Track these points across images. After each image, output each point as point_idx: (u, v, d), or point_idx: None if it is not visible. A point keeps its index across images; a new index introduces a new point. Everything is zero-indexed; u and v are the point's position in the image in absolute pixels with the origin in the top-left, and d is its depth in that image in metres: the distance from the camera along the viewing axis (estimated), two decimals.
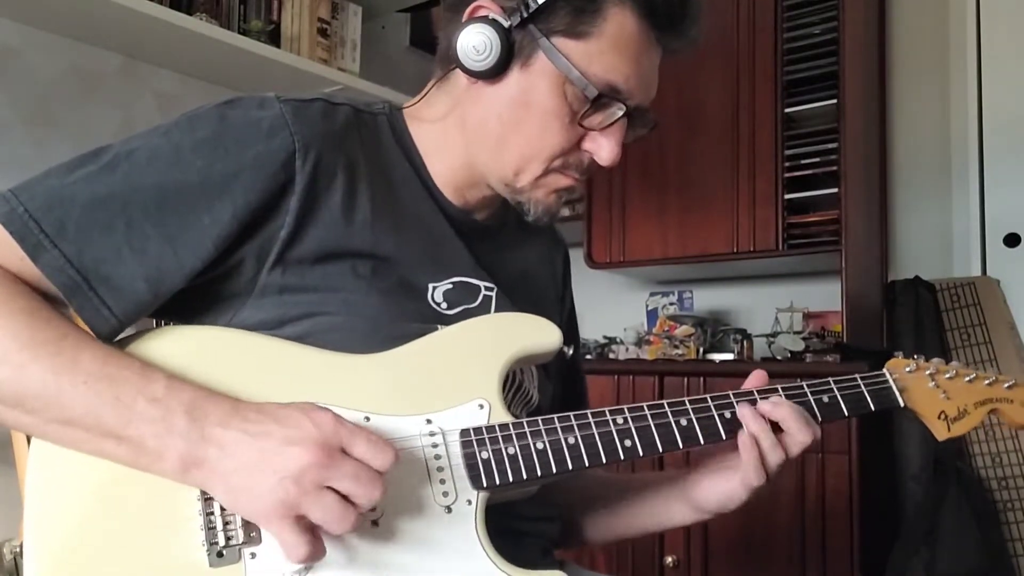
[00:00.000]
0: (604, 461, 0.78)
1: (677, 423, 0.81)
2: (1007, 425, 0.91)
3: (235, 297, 0.79)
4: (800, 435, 0.81)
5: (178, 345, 0.74)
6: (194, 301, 0.78)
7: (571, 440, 0.77)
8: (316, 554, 0.65)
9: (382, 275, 0.81)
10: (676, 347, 2.20)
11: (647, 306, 2.55)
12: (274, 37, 2.19)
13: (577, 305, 1.11)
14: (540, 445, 0.76)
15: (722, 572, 1.94)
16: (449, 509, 0.73)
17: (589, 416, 0.79)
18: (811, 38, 2.08)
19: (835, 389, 0.86)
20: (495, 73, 0.81)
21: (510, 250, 0.96)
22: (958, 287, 2.10)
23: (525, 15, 0.79)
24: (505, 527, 0.76)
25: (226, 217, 0.74)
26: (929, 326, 2.06)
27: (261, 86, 1.69)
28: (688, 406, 0.82)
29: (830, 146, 2.02)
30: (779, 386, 0.85)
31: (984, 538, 1.83)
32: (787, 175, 2.09)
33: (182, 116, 0.78)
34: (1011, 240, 2.19)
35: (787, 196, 2.08)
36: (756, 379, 0.87)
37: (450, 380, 0.77)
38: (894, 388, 0.87)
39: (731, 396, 0.83)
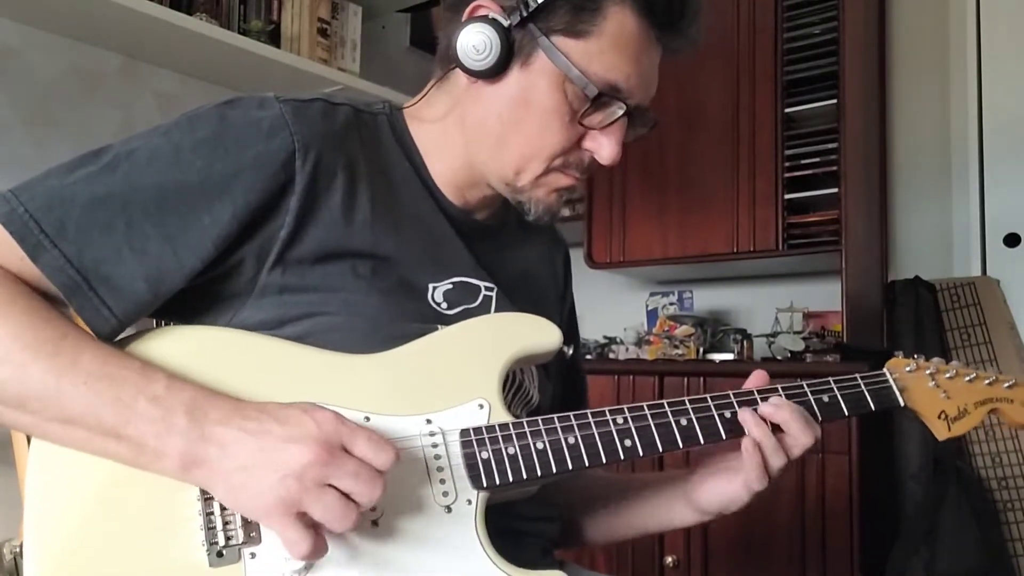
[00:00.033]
0: (604, 461, 0.77)
1: (677, 423, 0.80)
2: (1007, 425, 0.91)
3: (235, 297, 0.79)
4: (802, 437, 0.81)
5: (178, 345, 0.74)
6: (194, 301, 0.78)
7: (571, 440, 0.77)
8: (318, 551, 0.65)
9: (382, 275, 0.81)
10: (676, 347, 2.20)
11: (647, 306, 2.55)
12: (274, 37, 2.19)
13: (577, 305, 1.10)
14: (540, 445, 0.76)
15: (722, 572, 1.94)
16: (449, 509, 0.73)
17: (589, 416, 0.79)
18: (811, 38, 2.08)
19: (835, 389, 0.86)
20: (495, 72, 0.81)
21: (510, 250, 0.96)
22: (958, 287, 2.10)
23: (525, 14, 0.79)
24: (505, 527, 0.76)
25: (226, 217, 0.74)
26: (929, 326, 2.06)
27: (261, 86, 1.69)
28: (688, 406, 0.82)
29: (830, 146, 2.02)
30: (779, 386, 0.85)
31: (984, 538, 1.83)
32: (787, 175, 2.09)
33: (182, 116, 0.78)
34: (1011, 240, 2.19)
35: (787, 196, 2.08)
36: (756, 379, 0.87)
37: (450, 380, 0.77)
38: (894, 388, 0.87)
39: (731, 396, 0.83)
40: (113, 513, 0.68)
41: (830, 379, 0.86)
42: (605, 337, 2.47)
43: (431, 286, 0.84)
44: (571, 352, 0.97)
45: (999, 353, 2.00)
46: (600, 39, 0.79)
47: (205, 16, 2.00)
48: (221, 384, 0.71)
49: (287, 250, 0.77)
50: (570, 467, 0.76)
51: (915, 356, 0.90)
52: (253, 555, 0.68)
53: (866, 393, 0.86)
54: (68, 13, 1.84)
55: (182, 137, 0.76)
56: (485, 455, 0.75)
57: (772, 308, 2.20)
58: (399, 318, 0.80)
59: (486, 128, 0.84)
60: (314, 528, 0.65)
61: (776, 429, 0.82)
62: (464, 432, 0.75)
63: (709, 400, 0.83)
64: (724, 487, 0.86)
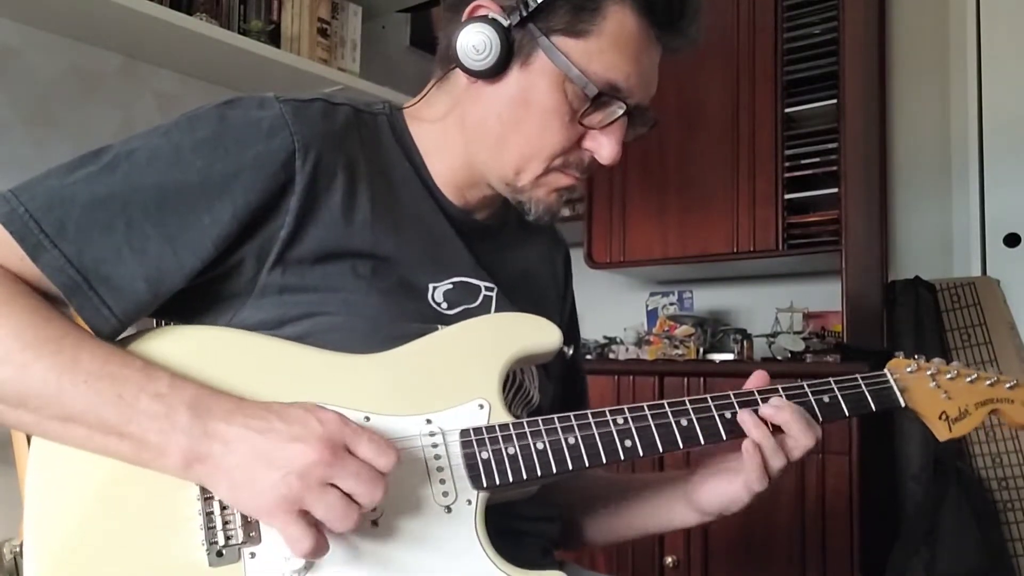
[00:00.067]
0: (604, 461, 0.77)
1: (677, 423, 0.80)
2: (1008, 425, 0.91)
3: (235, 297, 0.79)
4: (803, 439, 0.81)
5: (178, 345, 0.74)
6: (194, 301, 0.78)
7: (571, 440, 0.77)
8: (320, 549, 0.65)
9: (382, 275, 0.81)
10: (676, 347, 2.20)
11: (647, 306, 2.55)
12: (274, 37, 2.19)
13: (577, 305, 1.10)
14: (540, 445, 0.76)
15: (722, 572, 1.94)
16: (449, 509, 0.73)
17: (589, 416, 0.79)
18: (811, 38, 2.08)
19: (836, 389, 0.86)
20: (495, 72, 0.81)
21: (511, 250, 0.96)
22: (958, 287, 2.10)
23: (524, 14, 0.79)
24: (505, 527, 0.76)
25: (226, 217, 0.74)
26: (929, 326, 2.06)
27: (261, 86, 1.69)
28: (688, 406, 0.82)
29: (830, 146, 2.02)
30: (780, 387, 0.85)
31: (984, 538, 1.83)
32: (787, 175, 2.09)
33: (182, 116, 0.78)
34: (1011, 240, 2.19)
35: (787, 196, 2.08)
36: (757, 380, 0.86)
37: (450, 380, 0.77)
38: (895, 388, 0.87)
39: (732, 397, 0.83)
40: (113, 512, 0.68)
41: (831, 380, 0.86)
42: (605, 337, 2.47)
43: (431, 286, 0.84)
44: (571, 352, 0.97)
45: (999, 353, 2.00)
46: (600, 39, 0.79)
47: (205, 16, 2.00)
48: (221, 384, 0.71)
49: (287, 250, 0.77)
50: (570, 467, 0.76)
51: (916, 357, 0.90)
52: (253, 555, 0.68)
53: (867, 394, 0.86)
54: (68, 13, 1.84)
55: (182, 137, 0.76)
56: (485, 455, 0.75)
57: (772, 308, 2.20)
58: (399, 318, 0.80)
59: (486, 128, 0.84)
60: (316, 526, 0.65)
61: (777, 430, 0.82)
62: (464, 432, 0.75)
63: (709, 400, 0.82)
64: (724, 488, 0.86)
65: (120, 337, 0.75)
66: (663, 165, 2.27)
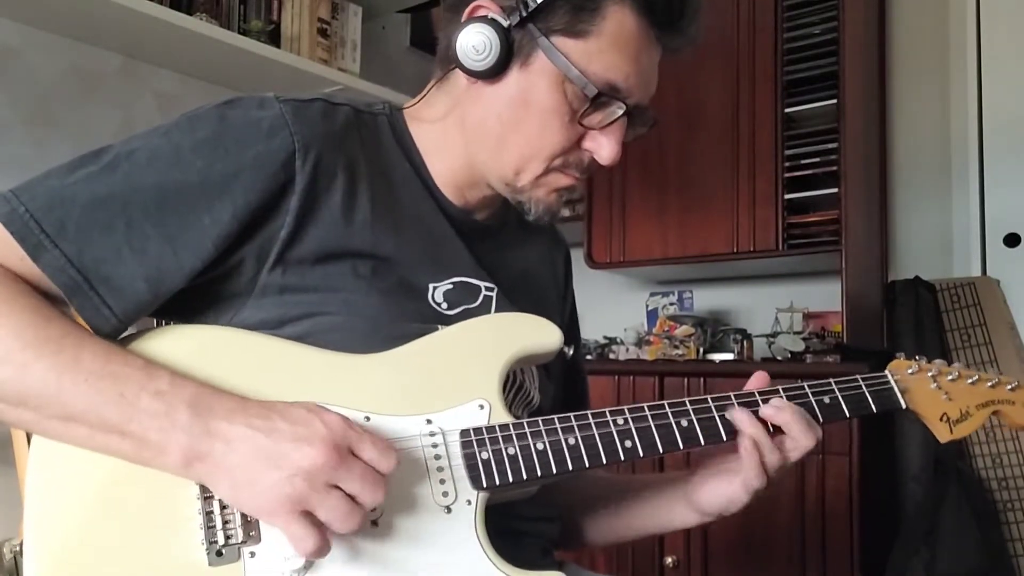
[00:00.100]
0: (604, 462, 0.77)
1: (678, 424, 0.80)
2: (1009, 427, 0.91)
3: (235, 297, 0.79)
4: (803, 439, 0.81)
5: (179, 344, 0.74)
6: (194, 301, 0.78)
7: (571, 441, 0.77)
8: (323, 548, 0.65)
9: (382, 275, 0.81)
10: (676, 347, 2.20)
11: (647, 306, 2.55)
12: (274, 37, 2.19)
13: (577, 305, 1.10)
14: (540, 446, 0.76)
15: (722, 572, 1.94)
16: (449, 509, 0.73)
17: (589, 417, 0.79)
18: (811, 38, 2.08)
19: (836, 390, 0.86)
20: (495, 73, 0.81)
21: (511, 250, 0.96)
22: (958, 287, 2.10)
23: (524, 14, 0.79)
24: (505, 527, 0.76)
25: (226, 217, 0.74)
26: (929, 326, 2.06)
27: (261, 86, 1.69)
28: (689, 407, 0.82)
29: (830, 146, 2.02)
30: (780, 388, 0.85)
31: (984, 538, 1.83)
32: (787, 175, 2.09)
33: (182, 116, 0.78)
34: (1011, 240, 2.19)
35: (787, 196, 2.08)
36: (757, 381, 0.86)
37: (450, 380, 0.77)
38: (896, 389, 0.87)
39: (732, 397, 0.83)
40: (113, 512, 0.68)
41: (831, 380, 0.86)
42: (605, 337, 2.47)
43: (431, 286, 0.84)
44: (572, 352, 0.97)
45: (999, 354, 2.00)
46: (599, 39, 0.79)
47: (205, 16, 2.00)
48: (222, 383, 0.71)
49: (287, 250, 0.77)
50: (570, 468, 0.76)
51: (917, 358, 0.90)
52: (252, 554, 0.68)
53: (867, 394, 0.86)
54: (68, 13, 1.84)
55: (182, 137, 0.76)
56: (485, 455, 0.74)
57: (772, 308, 2.20)
58: (399, 318, 0.80)
59: (486, 128, 0.84)
60: (318, 527, 0.65)
61: (777, 431, 0.82)
62: (464, 432, 0.75)
63: (710, 401, 0.82)
64: (724, 488, 0.86)
65: (121, 337, 0.75)
66: (663, 165, 2.27)
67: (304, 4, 2.24)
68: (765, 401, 0.83)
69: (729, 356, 2.16)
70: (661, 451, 0.80)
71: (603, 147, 0.83)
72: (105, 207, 0.72)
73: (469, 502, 0.73)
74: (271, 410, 0.68)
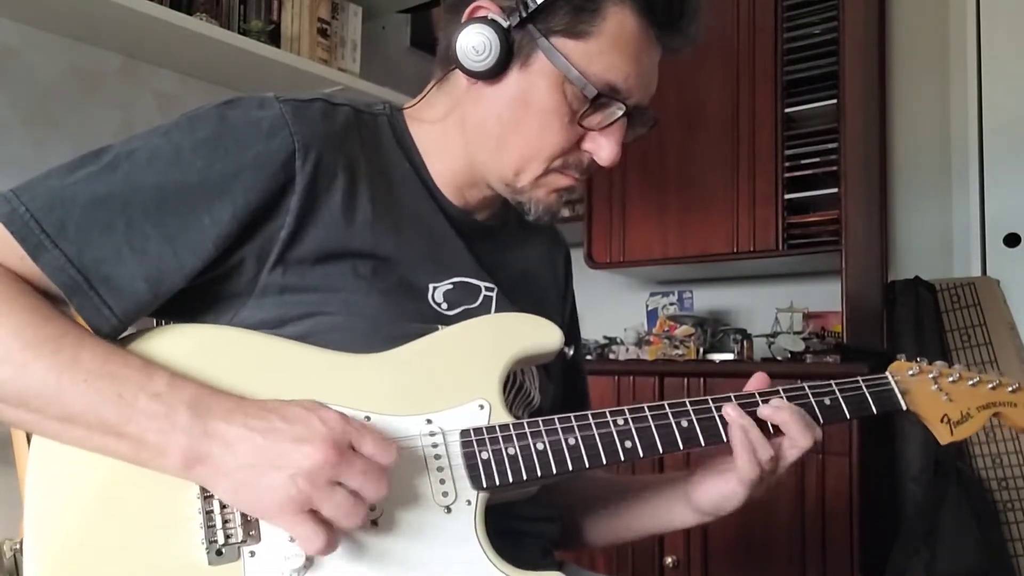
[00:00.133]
0: (604, 462, 0.77)
1: (678, 424, 0.80)
2: (1010, 428, 0.91)
3: (236, 297, 0.79)
4: (801, 439, 0.81)
5: (179, 343, 0.74)
6: (195, 301, 0.78)
7: (571, 441, 0.77)
8: (331, 545, 0.65)
9: (382, 275, 0.81)
10: (676, 347, 2.20)
11: (647, 306, 2.54)
12: (274, 37, 2.19)
13: (577, 305, 1.10)
14: (540, 446, 0.76)
15: (722, 572, 1.94)
16: (449, 509, 0.73)
17: (590, 417, 0.79)
18: (811, 38, 2.08)
19: (837, 391, 0.86)
20: (494, 73, 0.81)
21: (511, 250, 0.96)
22: (958, 287, 2.10)
23: (524, 15, 0.79)
24: (505, 527, 0.76)
25: (226, 217, 0.74)
26: (929, 327, 2.06)
27: (261, 86, 1.69)
28: (689, 407, 0.82)
29: (830, 146, 2.02)
30: (780, 388, 0.85)
31: (984, 538, 1.83)
32: (787, 175, 2.09)
33: (182, 116, 0.78)
34: (1011, 240, 2.19)
35: (787, 196, 2.08)
36: (757, 381, 0.86)
37: (451, 380, 0.77)
38: (896, 391, 0.87)
39: (732, 398, 0.83)
40: (113, 511, 0.68)
41: (832, 381, 0.86)
42: (605, 337, 2.47)
43: (431, 286, 0.84)
44: (572, 353, 0.97)
45: (999, 354, 2.00)
46: (599, 39, 0.79)
47: (205, 16, 2.00)
48: (222, 382, 0.71)
49: (287, 250, 0.77)
50: (570, 468, 0.76)
51: (918, 359, 0.90)
52: (252, 553, 0.68)
53: (868, 396, 0.86)
54: (68, 13, 1.84)
55: (182, 137, 0.76)
56: (485, 455, 0.75)
57: (772, 308, 2.20)
58: (399, 318, 0.80)
59: (486, 129, 0.84)
60: (324, 524, 0.65)
61: (777, 431, 0.82)
62: (464, 432, 0.75)
63: (710, 402, 0.83)
64: (721, 486, 0.86)
65: (121, 336, 0.75)
66: (663, 165, 2.27)
67: (304, 4, 2.24)
68: (766, 402, 0.83)
69: (729, 356, 2.16)
70: (661, 451, 0.80)
71: (603, 148, 0.83)
72: (105, 207, 0.72)
73: (469, 502, 0.73)
74: (269, 410, 0.68)
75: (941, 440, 0.87)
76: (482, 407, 0.77)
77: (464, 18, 0.82)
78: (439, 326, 0.81)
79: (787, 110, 2.10)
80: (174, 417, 0.66)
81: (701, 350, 2.21)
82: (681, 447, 0.80)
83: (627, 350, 2.32)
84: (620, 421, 0.79)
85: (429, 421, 0.75)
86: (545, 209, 0.86)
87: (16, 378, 0.66)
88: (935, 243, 2.28)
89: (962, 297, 2.08)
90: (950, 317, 2.08)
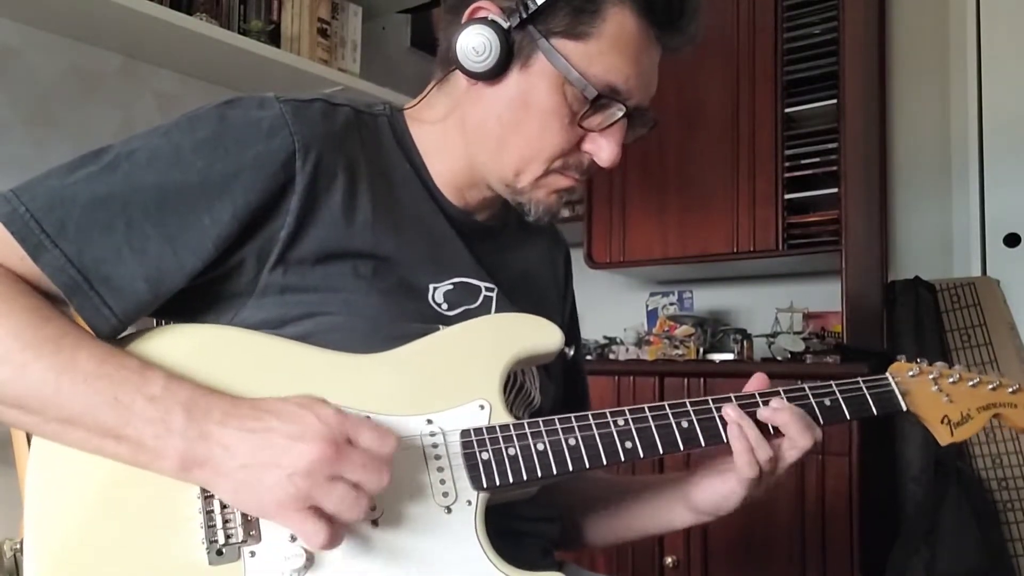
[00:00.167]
0: (604, 463, 0.77)
1: (678, 425, 0.80)
2: (1010, 429, 0.91)
3: (236, 297, 0.79)
4: (800, 440, 0.81)
5: (180, 343, 0.74)
6: (195, 301, 0.78)
7: (572, 441, 0.77)
8: (335, 539, 0.65)
9: (383, 275, 0.81)
10: (676, 347, 2.20)
11: (647, 306, 2.55)
12: (274, 37, 2.19)
13: (577, 305, 1.10)
14: (540, 446, 0.76)
15: (722, 572, 1.94)
16: (449, 509, 0.73)
17: (590, 417, 0.79)
18: (811, 38, 2.08)
19: (837, 392, 0.86)
20: (495, 74, 0.81)
21: (511, 251, 0.96)
22: (958, 287, 2.10)
23: (524, 16, 0.79)
24: (505, 528, 0.76)
25: (226, 217, 0.74)
26: (929, 326, 2.06)
27: (261, 86, 1.69)
28: (689, 408, 0.82)
29: (830, 146, 2.02)
30: (781, 389, 0.85)
31: (984, 538, 1.83)
32: (787, 175, 2.09)
33: (182, 116, 0.78)
34: (1011, 240, 2.19)
35: (787, 196, 2.08)
36: (757, 382, 0.87)
37: (451, 380, 0.77)
38: (897, 392, 0.87)
39: (733, 399, 0.83)
40: (113, 511, 0.68)
41: (832, 382, 0.86)
42: (605, 337, 2.47)
43: (432, 286, 0.84)
44: (572, 353, 0.97)
45: (999, 354, 2.00)
46: (600, 40, 0.79)
47: (205, 16, 2.00)
48: (223, 382, 0.71)
49: (288, 250, 0.77)
50: (570, 468, 0.76)
51: (918, 360, 0.90)
52: (253, 553, 0.68)
53: (868, 397, 0.86)
54: (68, 13, 1.84)
55: (182, 137, 0.76)
56: (485, 456, 0.75)
57: (772, 308, 2.20)
58: (399, 318, 0.80)
59: (486, 130, 0.84)
60: (327, 519, 0.65)
61: (777, 432, 0.82)
62: (465, 432, 0.75)
63: (711, 402, 0.83)
64: (719, 485, 0.87)
65: (121, 336, 0.75)
66: (663, 165, 2.27)
67: (304, 4, 2.24)
68: (766, 403, 0.83)
69: (729, 356, 2.16)
70: (661, 452, 0.80)
71: (603, 149, 0.83)
72: (105, 207, 0.72)
73: (469, 502, 0.73)
74: (265, 410, 0.68)
75: (941, 441, 0.87)
76: (482, 407, 0.77)
77: (464, 19, 0.82)
78: (439, 326, 0.81)
79: (787, 110, 2.10)
80: (170, 420, 0.66)
81: (701, 350, 2.21)
82: (681, 448, 0.80)
83: (627, 350, 2.32)
84: (620, 422, 0.79)
85: (430, 421, 0.75)
86: (545, 210, 0.86)
87: (16, 379, 0.66)
88: (935, 243, 2.28)
89: (962, 297, 2.08)
90: (950, 317, 2.08)
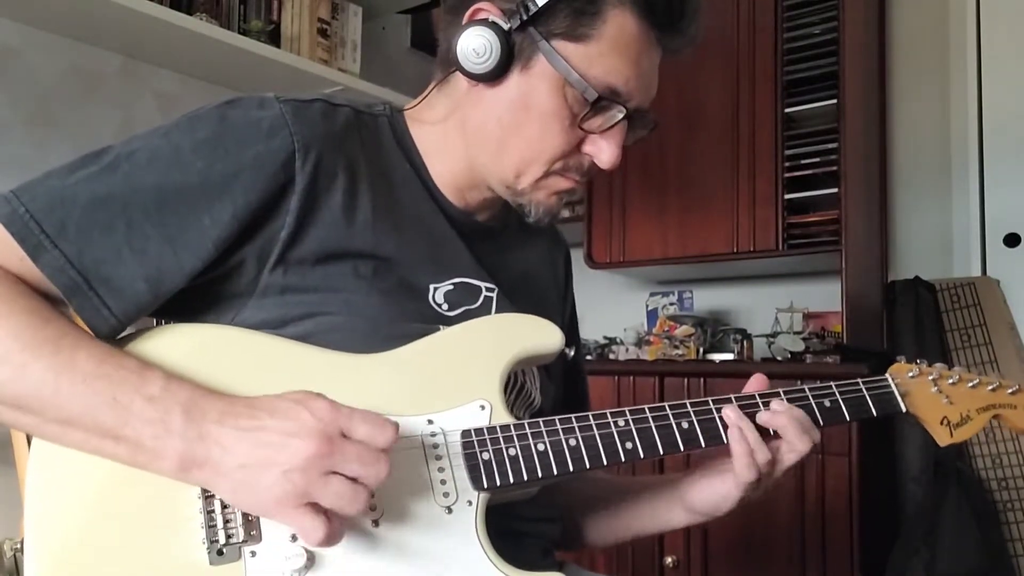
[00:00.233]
0: (605, 463, 0.78)
1: (678, 425, 0.81)
2: (1010, 430, 0.91)
3: (237, 297, 0.79)
4: (798, 444, 0.81)
5: (180, 343, 0.74)
6: (195, 301, 0.78)
7: (572, 442, 0.77)
8: (335, 535, 0.65)
9: (383, 275, 0.81)
10: (676, 347, 2.20)
11: (647, 306, 2.55)
12: (274, 37, 2.19)
13: (577, 305, 1.10)
14: (541, 446, 0.76)
15: (722, 572, 1.95)
16: (449, 510, 0.73)
17: (590, 418, 0.79)
18: (811, 38, 2.08)
19: (837, 393, 0.86)
20: (495, 76, 0.81)
21: (511, 251, 0.96)
22: (958, 287, 2.10)
23: (525, 18, 0.79)
24: (505, 528, 0.76)
25: (226, 218, 0.74)
26: (929, 326, 2.06)
27: (261, 86, 1.69)
28: (689, 408, 0.82)
29: (830, 146, 2.02)
30: (781, 390, 0.85)
31: (984, 538, 1.83)
32: (787, 175, 2.09)
33: (182, 116, 0.78)
34: (1011, 240, 2.19)
35: (787, 196, 2.08)
36: (756, 383, 0.87)
37: (452, 381, 0.77)
38: (896, 393, 0.87)
39: (733, 400, 0.83)
40: (114, 511, 0.68)
41: (832, 383, 0.86)
42: (605, 337, 2.47)
43: (432, 287, 0.84)
44: (572, 353, 0.97)
45: (999, 354, 2.00)
46: (600, 42, 0.79)
47: (205, 16, 2.00)
48: (223, 382, 0.71)
49: (288, 250, 0.77)
50: (571, 469, 0.76)
51: (918, 361, 0.90)
52: (253, 553, 0.68)
53: (868, 398, 0.86)
54: (68, 13, 1.84)
55: (182, 138, 0.76)
56: (486, 456, 0.75)
57: (772, 308, 2.20)
58: (400, 318, 0.80)
59: (486, 131, 0.84)
60: (327, 513, 0.65)
61: (775, 434, 0.82)
62: (465, 433, 0.75)
63: (711, 403, 0.83)
64: (717, 486, 0.87)
65: (121, 336, 0.75)
66: (663, 165, 2.27)
67: (304, 4, 2.24)
68: (766, 403, 0.83)
69: (729, 356, 2.16)
70: (662, 452, 0.80)
71: (603, 151, 0.83)
72: (105, 208, 0.72)
73: (470, 503, 0.73)
74: (258, 408, 0.67)
75: (940, 442, 0.87)
76: (483, 407, 0.77)
77: (465, 20, 0.82)
78: (440, 326, 0.81)
79: (787, 110, 2.10)
80: (169, 421, 0.66)
81: (701, 350, 2.21)
82: (682, 448, 0.80)
83: (627, 350, 2.32)
84: (621, 422, 0.79)
85: (430, 421, 0.75)
86: (545, 211, 0.86)
87: (15, 379, 0.66)
88: (935, 243, 2.29)
89: (962, 297, 2.08)
90: (950, 317, 2.08)
